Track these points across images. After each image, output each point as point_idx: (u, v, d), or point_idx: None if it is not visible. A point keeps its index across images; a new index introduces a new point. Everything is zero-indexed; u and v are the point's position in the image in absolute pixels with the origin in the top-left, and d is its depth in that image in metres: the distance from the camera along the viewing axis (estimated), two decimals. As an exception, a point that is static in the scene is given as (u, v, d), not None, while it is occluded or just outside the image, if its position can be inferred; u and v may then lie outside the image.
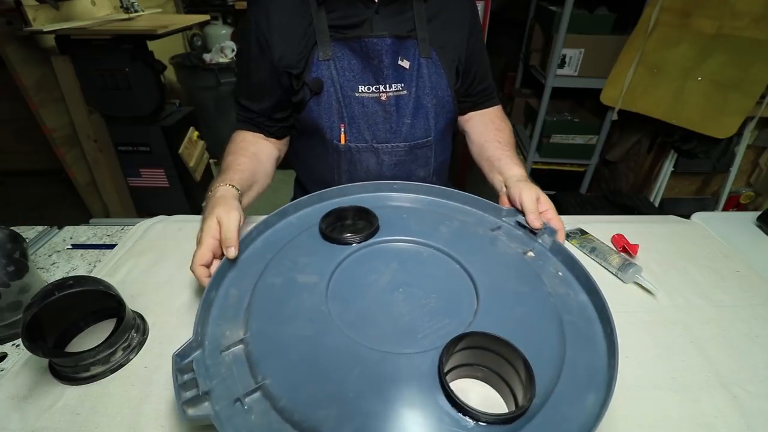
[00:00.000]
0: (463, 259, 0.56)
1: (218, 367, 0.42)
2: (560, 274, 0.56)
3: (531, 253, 0.59)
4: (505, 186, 0.70)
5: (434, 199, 0.70)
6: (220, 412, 0.38)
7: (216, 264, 0.54)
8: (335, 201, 0.68)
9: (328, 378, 0.41)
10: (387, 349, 0.44)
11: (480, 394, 0.44)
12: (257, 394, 0.40)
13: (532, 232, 0.61)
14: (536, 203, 0.62)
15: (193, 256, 0.54)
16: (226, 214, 0.56)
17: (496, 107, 0.90)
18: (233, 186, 0.65)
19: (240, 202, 0.62)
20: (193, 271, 0.54)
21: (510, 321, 0.48)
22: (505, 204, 0.68)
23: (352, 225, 0.63)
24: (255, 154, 0.77)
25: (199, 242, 0.55)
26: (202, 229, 0.56)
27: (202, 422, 0.38)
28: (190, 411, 0.38)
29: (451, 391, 0.38)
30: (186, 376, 0.40)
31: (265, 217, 0.62)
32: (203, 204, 0.63)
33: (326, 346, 0.44)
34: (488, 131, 0.84)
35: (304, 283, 0.52)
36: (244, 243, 0.57)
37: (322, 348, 0.44)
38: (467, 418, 0.38)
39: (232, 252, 0.54)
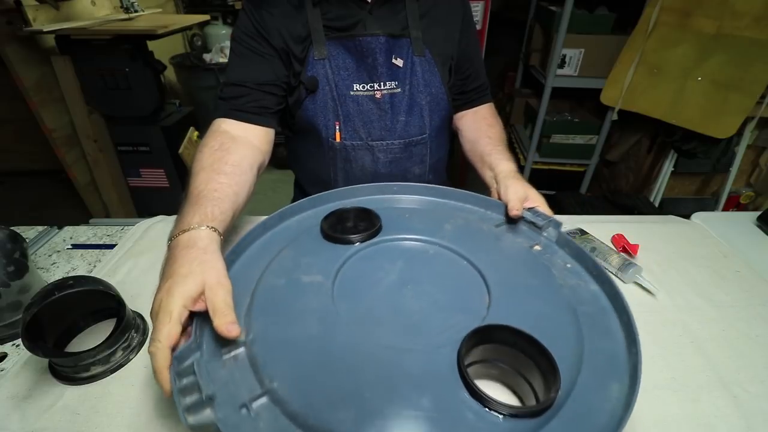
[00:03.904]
0: (471, 255, 0.55)
1: (219, 371, 0.40)
2: (569, 265, 0.56)
3: (537, 247, 0.59)
4: (495, 181, 0.71)
5: (434, 199, 0.70)
6: (226, 420, 0.35)
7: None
8: (334, 204, 0.67)
9: (341, 379, 0.39)
10: (402, 347, 0.42)
11: (496, 393, 0.43)
12: (264, 399, 0.37)
13: (537, 226, 0.62)
14: (520, 202, 0.62)
15: (158, 332, 0.39)
16: (217, 285, 0.42)
17: (488, 105, 0.91)
18: (215, 229, 0.49)
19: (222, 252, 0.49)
20: (155, 356, 0.38)
21: (524, 314, 0.47)
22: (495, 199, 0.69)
23: (354, 226, 0.62)
24: (236, 166, 0.61)
25: (164, 312, 0.40)
26: (172, 292, 0.40)
27: (206, 431, 0.35)
28: (191, 419, 0.34)
29: (474, 384, 0.37)
30: (186, 381, 0.37)
31: (263, 219, 0.61)
32: (170, 239, 0.49)
33: (336, 345, 0.42)
34: (480, 128, 0.85)
35: (309, 282, 0.50)
36: (240, 247, 0.55)
37: (332, 347, 0.42)
38: (493, 412, 0.36)
39: (234, 332, 0.40)
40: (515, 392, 0.44)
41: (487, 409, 0.36)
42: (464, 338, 0.41)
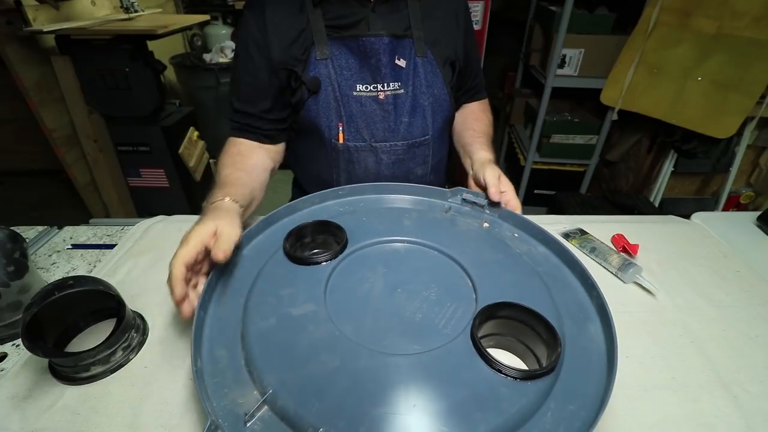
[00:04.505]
0: (439, 245, 0.58)
1: None
2: (516, 235, 0.62)
3: (486, 224, 0.64)
4: (472, 169, 0.76)
5: (381, 197, 0.71)
6: None
7: (202, 283, 0.50)
8: (285, 222, 0.64)
9: (384, 398, 0.39)
10: (422, 350, 0.44)
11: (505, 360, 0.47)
12: None
13: (479, 205, 0.67)
14: (498, 180, 0.67)
15: (176, 253, 0.48)
16: (228, 226, 0.52)
17: (481, 101, 0.95)
18: (236, 201, 0.61)
19: (240, 218, 0.59)
20: (171, 267, 0.47)
21: (505, 287, 0.51)
22: (471, 186, 0.74)
23: (313, 241, 0.60)
24: (253, 167, 0.74)
25: (185, 241, 0.50)
26: (193, 230, 0.51)
27: None
28: None
29: (501, 364, 0.41)
30: None
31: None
32: (203, 211, 0.59)
33: (362, 369, 0.41)
34: (467, 121, 0.90)
35: (302, 314, 0.47)
36: (206, 293, 0.49)
37: (360, 373, 0.41)
38: (527, 382, 0.40)
39: (221, 255, 0.49)
40: (516, 354, 0.49)
41: (511, 379, 0.40)
42: (475, 317, 0.45)
